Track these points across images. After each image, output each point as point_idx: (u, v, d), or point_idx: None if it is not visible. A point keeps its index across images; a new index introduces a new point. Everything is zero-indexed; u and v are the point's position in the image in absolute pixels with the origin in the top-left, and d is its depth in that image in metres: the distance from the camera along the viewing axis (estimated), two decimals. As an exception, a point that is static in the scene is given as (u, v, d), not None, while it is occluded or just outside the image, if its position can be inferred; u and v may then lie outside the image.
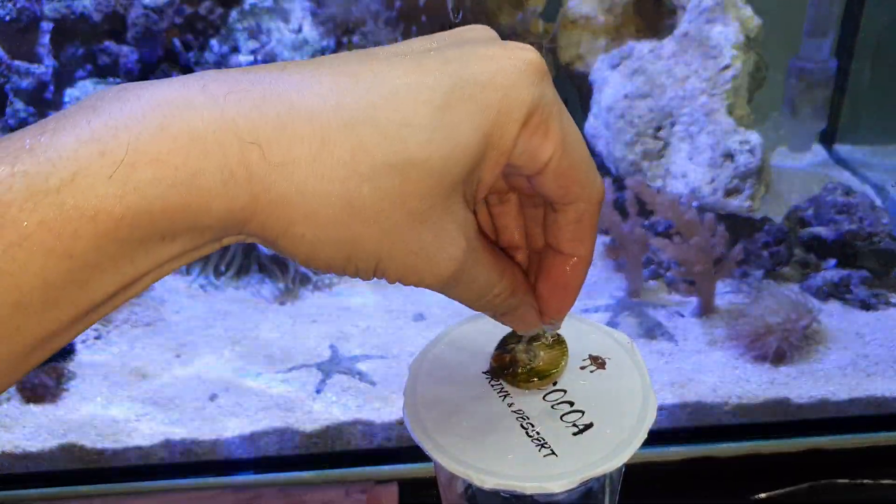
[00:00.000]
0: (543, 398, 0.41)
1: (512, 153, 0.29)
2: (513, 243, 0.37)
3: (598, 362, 0.43)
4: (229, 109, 0.24)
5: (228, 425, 0.65)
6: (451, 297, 0.31)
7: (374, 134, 0.26)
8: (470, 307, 0.33)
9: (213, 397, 0.67)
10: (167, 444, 0.64)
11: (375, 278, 0.28)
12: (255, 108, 0.25)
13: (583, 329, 0.45)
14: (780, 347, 0.66)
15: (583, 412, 0.40)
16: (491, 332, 0.44)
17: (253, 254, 0.82)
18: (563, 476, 0.37)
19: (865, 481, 0.62)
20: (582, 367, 0.42)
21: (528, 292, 0.36)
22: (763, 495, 0.62)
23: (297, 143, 0.25)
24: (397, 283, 0.30)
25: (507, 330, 0.44)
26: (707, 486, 0.64)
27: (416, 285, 0.29)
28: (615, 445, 0.38)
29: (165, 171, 0.23)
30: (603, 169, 0.90)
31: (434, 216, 0.28)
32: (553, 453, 0.38)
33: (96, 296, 0.23)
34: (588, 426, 0.39)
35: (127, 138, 0.23)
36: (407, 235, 0.27)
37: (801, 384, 0.65)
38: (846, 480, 0.62)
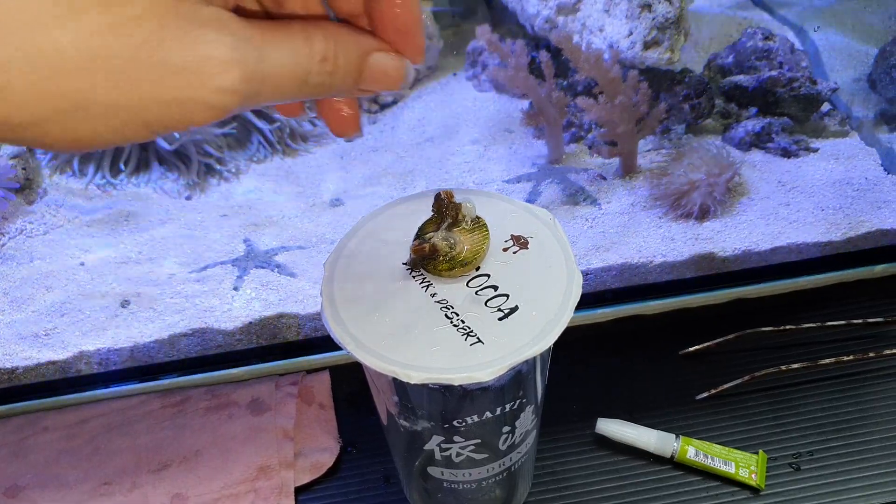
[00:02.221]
0: (467, 285, 0.39)
1: None
2: (354, 11, 0.31)
3: (520, 242, 0.41)
4: None
5: (145, 331, 0.62)
6: (284, 101, 0.26)
7: None
8: (314, 97, 0.28)
9: (124, 304, 0.64)
10: (82, 356, 0.62)
11: (158, 134, 0.24)
12: None
13: (503, 209, 0.43)
14: (703, 203, 0.66)
15: (507, 296, 0.39)
16: (408, 220, 0.42)
17: (151, 147, 0.77)
18: (491, 364, 0.36)
19: (788, 327, 0.63)
20: (504, 249, 0.41)
21: (362, 38, 0.29)
22: (692, 349, 0.63)
23: None
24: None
25: (424, 217, 0.42)
26: (636, 344, 0.65)
27: (216, 119, 0.24)
28: (542, 327, 0.37)
29: None
30: (517, 28, 0.86)
31: (171, 34, 0.23)
32: (480, 341, 0.37)
33: None
34: (513, 310, 0.38)
35: None
36: (151, 70, 0.22)
37: (725, 238, 0.65)
38: (771, 328, 0.63)
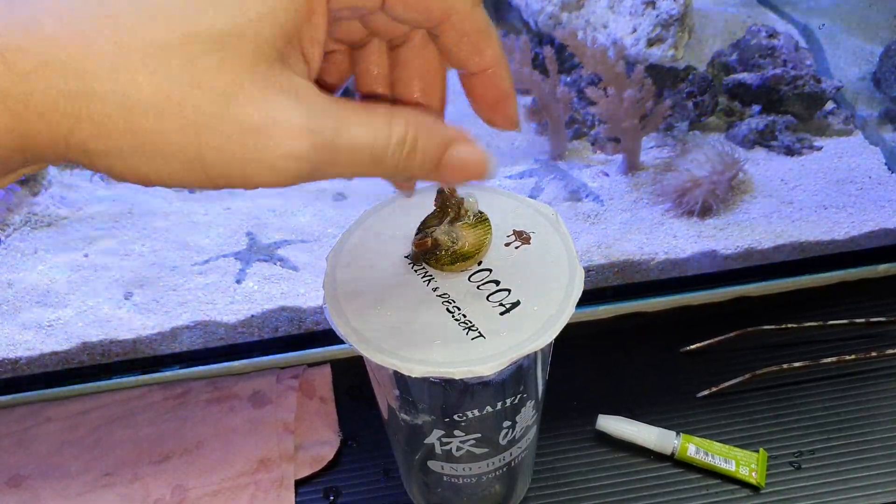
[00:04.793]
0: (468, 279, 0.39)
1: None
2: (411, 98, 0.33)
3: (522, 237, 0.41)
4: None
5: (147, 323, 0.62)
6: (359, 175, 0.28)
7: (139, 18, 0.23)
8: (390, 180, 0.30)
9: (127, 296, 0.64)
10: (85, 347, 0.62)
11: (228, 188, 0.25)
12: None
13: (506, 204, 0.43)
14: (706, 201, 0.66)
15: (509, 290, 0.39)
16: (410, 214, 0.42)
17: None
18: (492, 358, 0.36)
19: (790, 325, 0.63)
20: (507, 244, 0.41)
21: (446, 128, 0.31)
22: (693, 346, 0.63)
23: (51, 45, 0.22)
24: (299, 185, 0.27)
25: (426, 212, 0.42)
26: (637, 341, 0.65)
27: (281, 184, 0.25)
28: (543, 322, 0.37)
29: None
30: (521, 24, 0.86)
31: (244, 92, 0.24)
32: (481, 335, 0.37)
33: None
34: (515, 304, 0.38)
35: None
36: (220, 124, 0.24)
37: (727, 235, 0.65)
38: (772, 326, 0.63)
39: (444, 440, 0.44)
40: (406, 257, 0.41)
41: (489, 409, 0.41)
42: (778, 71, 0.75)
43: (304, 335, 0.65)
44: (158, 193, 0.75)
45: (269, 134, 0.24)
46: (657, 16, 0.72)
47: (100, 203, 0.74)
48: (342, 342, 0.37)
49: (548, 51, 0.70)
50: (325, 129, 0.26)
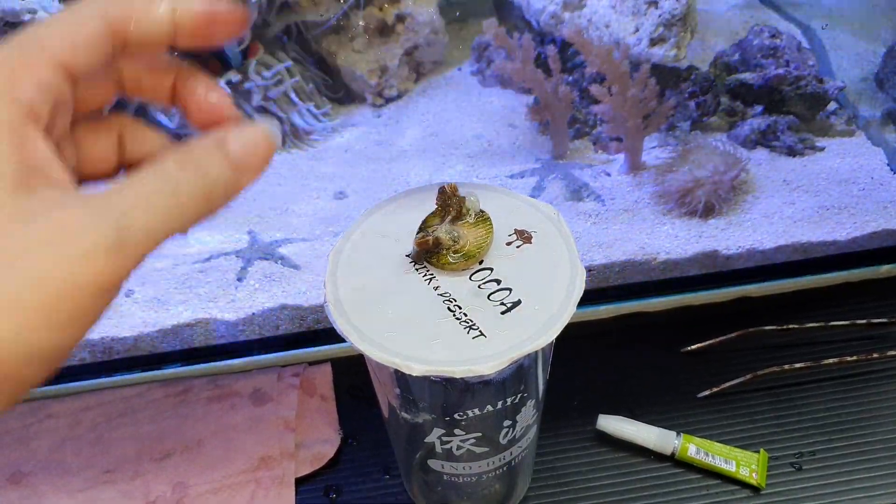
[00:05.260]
0: (470, 278, 0.40)
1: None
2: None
3: (524, 237, 0.41)
4: None
5: (148, 320, 0.62)
6: (177, 229, 0.26)
7: None
8: (209, 209, 0.27)
9: (129, 293, 0.64)
10: (86, 345, 0.62)
11: (63, 326, 0.24)
12: None
13: (508, 203, 0.43)
14: (708, 201, 0.66)
15: (510, 290, 0.39)
16: (411, 213, 0.42)
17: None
18: (493, 357, 0.36)
19: (792, 326, 0.63)
20: (508, 243, 0.41)
21: (199, 140, 0.27)
22: (694, 347, 0.63)
23: None
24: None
25: (428, 211, 0.42)
26: (638, 341, 0.65)
27: (102, 274, 0.24)
28: (544, 321, 0.37)
29: None
30: (522, 23, 0.86)
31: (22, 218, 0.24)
32: (482, 335, 0.37)
33: None
34: (516, 304, 0.38)
35: None
36: (14, 254, 0.23)
37: (729, 235, 0.65)
38: (774, 327, 0.63)
39: (445, 439, 0.44)
40: (407, 256, 0.41)
41: (490, 408, 0.41)
42: (780, 71, 0.74)
43: (305, 333, 0.65)
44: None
45: (55, 241, 0.24)
46: (660, 15, 0.71)
47: (101, 200, 0.74)
48: (343, 340, 0.38)
49: (550, 50, 0.69)
50: (104, 208, 0.24)
